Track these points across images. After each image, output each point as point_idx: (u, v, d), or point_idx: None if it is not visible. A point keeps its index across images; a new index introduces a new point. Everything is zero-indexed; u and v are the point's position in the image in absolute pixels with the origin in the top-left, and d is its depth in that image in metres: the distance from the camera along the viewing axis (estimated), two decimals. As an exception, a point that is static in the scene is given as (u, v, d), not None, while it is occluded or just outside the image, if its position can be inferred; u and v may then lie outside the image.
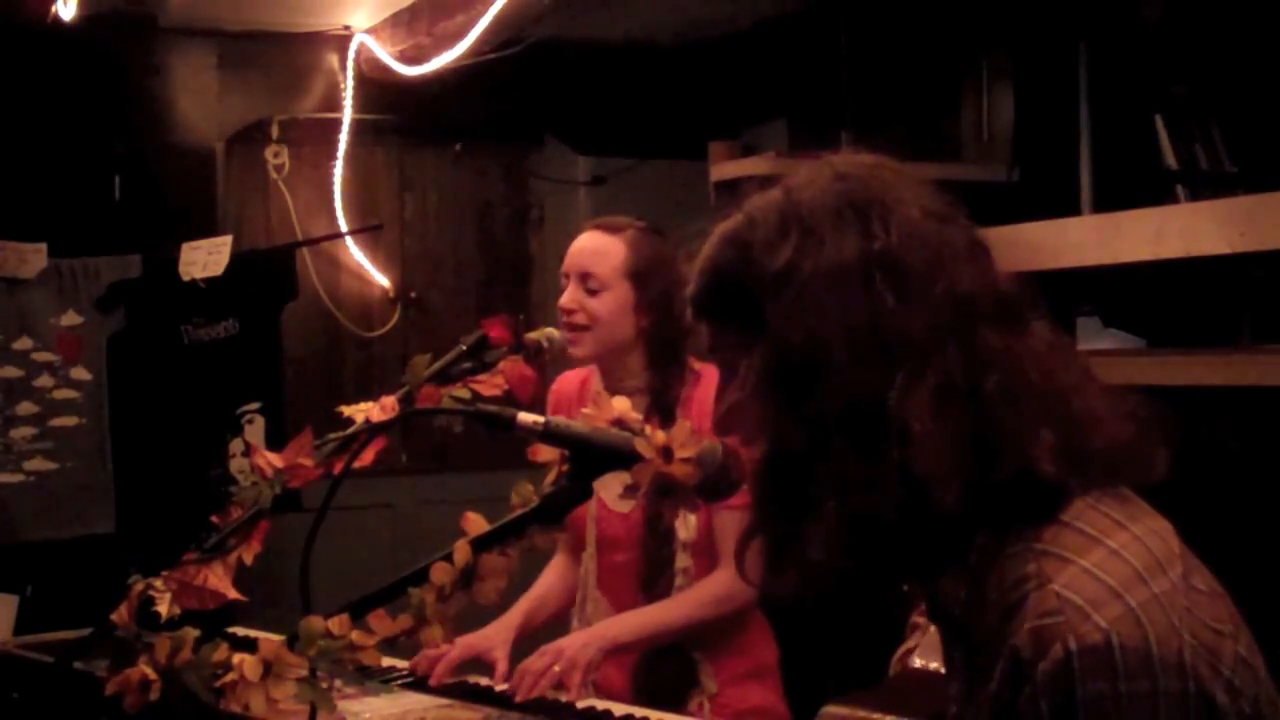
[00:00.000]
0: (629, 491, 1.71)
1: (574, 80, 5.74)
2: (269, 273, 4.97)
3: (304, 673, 1.64)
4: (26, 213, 4.87)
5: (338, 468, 2.07)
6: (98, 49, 5.01)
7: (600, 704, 2.42)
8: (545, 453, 1.80)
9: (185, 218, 5.08)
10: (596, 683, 2.56)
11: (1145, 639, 1.12)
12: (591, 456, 1.70)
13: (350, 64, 5.41)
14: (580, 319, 2.63)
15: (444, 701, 2.44)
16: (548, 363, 2.50)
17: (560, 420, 1.70)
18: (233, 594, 2.01)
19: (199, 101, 5.32)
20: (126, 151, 5.17)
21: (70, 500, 4.84)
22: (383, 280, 5.80)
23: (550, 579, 2.83)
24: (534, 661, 2.48)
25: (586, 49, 5.60)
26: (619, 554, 2.66)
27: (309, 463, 2.09)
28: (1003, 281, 1.27)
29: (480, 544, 1.70)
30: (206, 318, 4.83)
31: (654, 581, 2.62)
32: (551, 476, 1.78)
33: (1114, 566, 1.16)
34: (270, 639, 1.68)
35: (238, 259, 4.73)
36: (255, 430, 4.76)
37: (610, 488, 1.73)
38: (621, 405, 1.77)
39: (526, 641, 2.66)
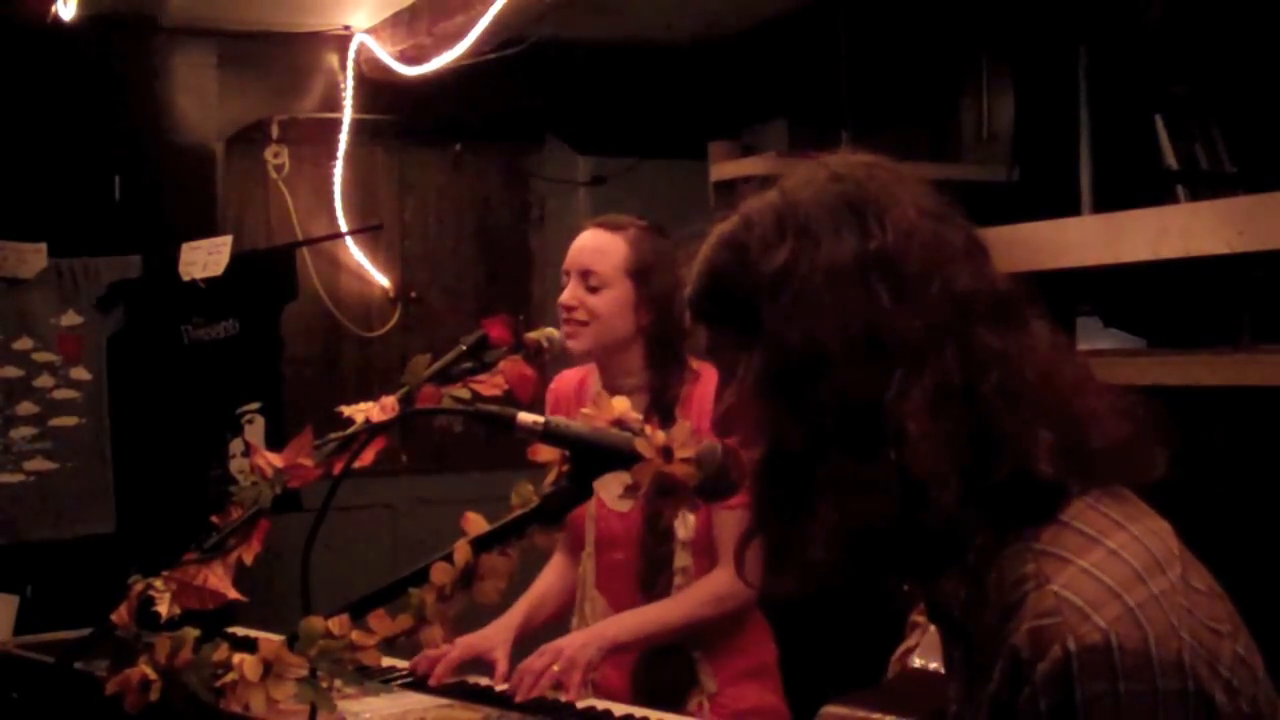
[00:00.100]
0: (629, 492, 1.71)
1: (574, 80, 5.74)
2: (269, 273, 4.97)
3: (304, 673, 1.65)
4: (26, 213, 4.87)
5: (338, 468, 2.07)
6: (98, 49, 5.01)
7: (600, 704, 2.42)
8: (545, 453, 1.80)
9: (185, 218, 5.08)
10: (596, 682, 2.56)
11: (1144, 639, 1.12)
12: (591, 456, 1.70)
13: (350, 64, 5.41)
14: (580, 316, 2.63)
15: (444, 701, 2.44)
16: (548, 363, 2.50)
17: (560, 420, 1.70)
18: (233, 594, 2.01)
19: (199, 101, 5.32)
20: (126, 151, 5.17)
21: (70, 500, 4.84)
22: (383, 280, 5.80)
23: (549, 579, 2.83)
24: (533, 661, 2.48)
25: (586, 49, 5.60)
26: (617, 553, 2.66)
27: (309, 463, 2.09)
28: (1000, 281, 1.27)
29: (480, 544, 1.71)
30: (206, 318, 4.83)
31: (653, 580, 2.62)
32: (551, 476, 1.78)
33: (1113, 567, 1.16)
34: (270, 639, 1.68)
35: (238, 259, 4.73)
36: (255, 430, 4.76)
37: (610, 488, 1.73)
38: (621, 405, 1.77)
39: (526, 642, 2.66)
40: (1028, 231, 3.42)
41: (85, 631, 2.14)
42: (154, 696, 1.75)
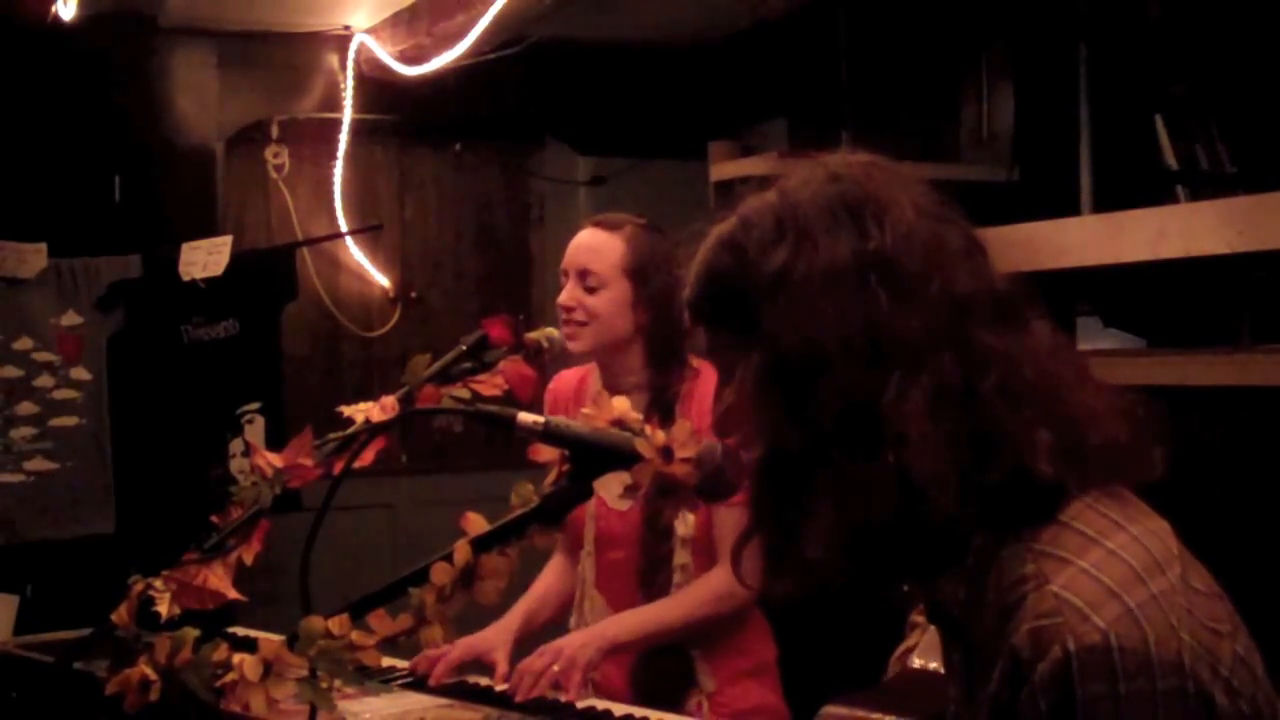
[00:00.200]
0: (629, 491, 1.71)
1: (574, 80, 5.75)
2: (269, 273, 4.97)
3: (304, 673, 1.64)
4: (26, 213, 4.87)
5: (338, 468, 2.07)
6: (98, 49, 5.01)
7: (600, 704, 2.42)
8: (545, 453, 1.80)
9: (185, 218, 5.09)
10: (595, 682, 2.56)
11: (1144, 639, 1.12)
12: (591, 456, 1.70)
13: (350, 64, 5.41)
14: (579, 316, 2.63)
15: (444, 701, 2.44)
16: (548, 363, 2.50)
17: (560, 420, 1.70)
18: (233, 594, 2.01)
19: (199, 101, 5.32)
20: (126, 151, 5.17)
21: (70, 500, 4.84)
22: (383, 280, 5.80)
23: (549, 580, 2.83)
24: (533, 661, 2.48)
25: (586, 49, 5.60)
26: (617, 552, 2.66)
27: (309, 463, 2.09)
28: (999, 281, 1.27)
29: (480, 544, 1.71)
30: (206, 318, 4.83)
31: (652, 578, 2.62)
32: (551, 476, 1.78)
33: (1112, 567, 1.16)
34: (270, 639, 1.68)
35: (238, 259, 4.73)
36: (255, 430, 4.77)
37: (610, 487, 1.73)
38: (621, 405, 1.77)
39: (526, 643, 2.66)
40: (1028, 231, 3.42)
41: (85, 631, 2.14)
42: (154, 696, 1.74)
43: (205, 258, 4.72)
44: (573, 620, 2.74)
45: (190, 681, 1.72)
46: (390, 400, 2.22)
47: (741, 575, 1.41)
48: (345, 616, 1.66)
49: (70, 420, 4.86)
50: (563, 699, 2.43)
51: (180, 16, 5.16)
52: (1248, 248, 2.97)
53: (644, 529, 2.62)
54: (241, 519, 2.07)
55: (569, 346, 2.61)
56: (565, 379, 2.83)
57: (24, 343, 4.84)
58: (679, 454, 1.67)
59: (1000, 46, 4.73)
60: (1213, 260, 3.05)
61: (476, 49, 4.81)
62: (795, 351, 1.22)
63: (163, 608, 1.93)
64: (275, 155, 5.64)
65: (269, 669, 1.65)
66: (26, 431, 4.82)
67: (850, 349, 1.21)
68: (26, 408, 4.82)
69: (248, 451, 4.54)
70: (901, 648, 2.41)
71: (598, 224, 2.69)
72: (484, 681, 2.56)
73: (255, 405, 4.79)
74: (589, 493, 1.74)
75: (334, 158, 5.55)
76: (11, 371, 4.82)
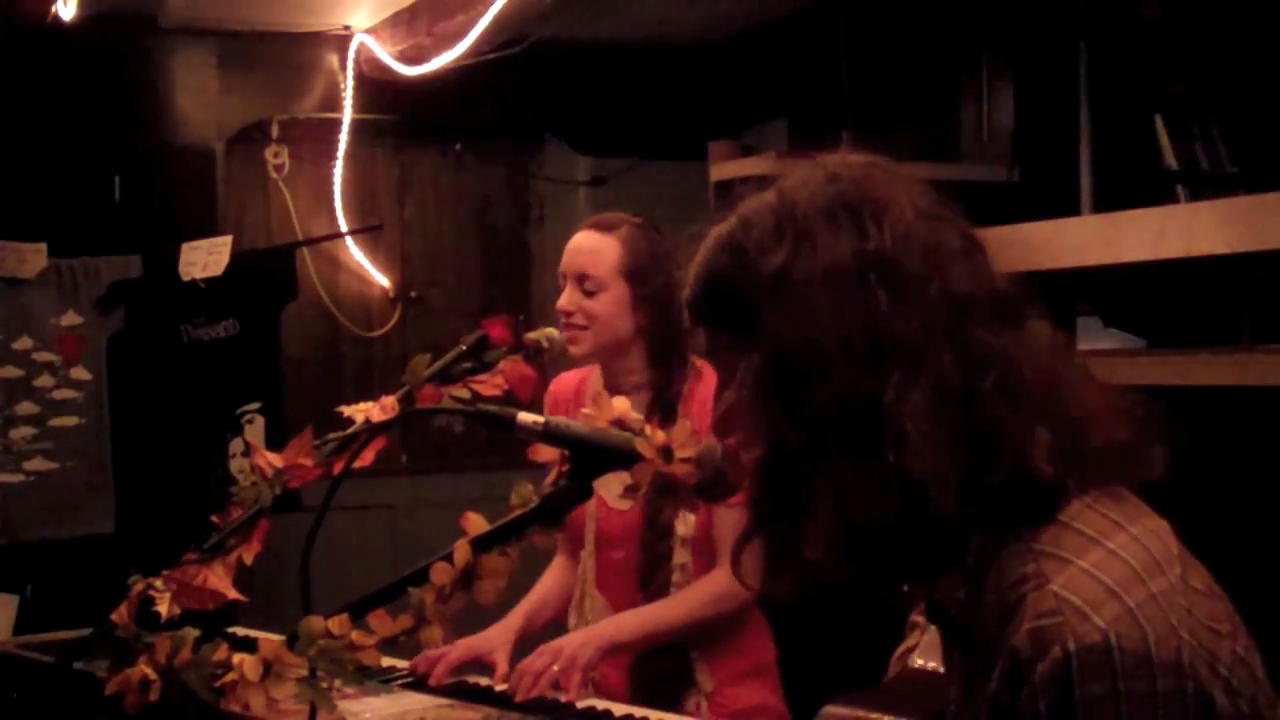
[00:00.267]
0: (629, 491, 1.71)
1: (574, 80, 5.75)
2: (269, 273, 4.97)
3: (304, 673, 1.65)
4: (26, 213, 4.87)
5: (338, 468, 2.07)
6: (98, 49, 5.02)
7: (600, 704, 2.42)
8: (545, 453, 1.80)
9: (185, 218, 5.09)
10: (594, 681, 2.56)
11: (1144, 639, 1.12)
12: (591, 456, 1.70)
13: (350, 64, 5.41)
14: (579, 320, 2.62)
15: (444, 701, 2.44)
16: (548, 363, 2.50)
17: (560, 420, 1.71)
18: (233, 594, 2.01)
19: (199, 101, 5.32)
20: (126, 151, 5.17)
21: (70, 500, 4.84)
22: (383, 280, 5.80)
23: (550, 583, 2.83)
24: (533, 661, 2.48)
25: (587, 49, 5.60)
26: (617, 551, 2.66)
27: (309, 463, 2.09)
28: (999, 281, 1.27)
29: (480, 544, 1.71)
30: (206, 318, 4.83)
31: (651, 576, 2.62)
32: (551, 476, 1.78)
33: (1112, 567, 1.16)
34: (270, 639, 1.68)
35: (238, 259, 4.73)
36: (255, 430, 4.77)
37: (610, 487, 1.73)
38: (621, 405, 1.77)
39: (527, 644, 2.66)
40: (1027, 231, 3.42)
41: (85, 631, 2.14)
42: (154, 696, 1.75)
43: (205, 258, 4.72)
44: (572, 620, 2.74)
45: (190, 681, 1.72)
46: (390, 400, 2.22)
47: (741, 575, 1.41)
48: (345, 616, 1.66)
49: (70, 420, 4.87)
50: (562, 699, 2.43)
51: (180, 16, 5.16)
52: (1248, 248, 2.97)
53: (644, 528, 2.62)
54: (241, 519, 2.07)
55: (570, 350, 2.61)
56: (565, 381, 2.83)
57: (24, 343, 4.84)
58: (679, 454, 1.67)
59: (1000, 46, 4.73)
60: (1212, 260, 3.05)
61: (476, 49, 4.81)
62: (795, 352, 1.22)
63: (163, 608, 1.93)
64: (275, 155, 5.64)
65: (269, 669, 1.65)
66: (26, 431, 4.82)
67: (850, 349, 1.20)
68: (26, 408, 4.83)
69: (248, 451, 4.53)
70: (901, 648, 2.41)
71: (592, 226, 2.68)
72: (484, 681, 2.56)
73: (255, 405, 4.79)
74: (589, 493, 1.74)
75: (334, 158, 5.55)
76: (11, 371, 4.82)
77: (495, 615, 2.67)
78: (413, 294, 5.88)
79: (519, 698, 2.42)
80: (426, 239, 5.98)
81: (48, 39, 4.87)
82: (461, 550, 1.69)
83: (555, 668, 2.45)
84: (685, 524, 2.59)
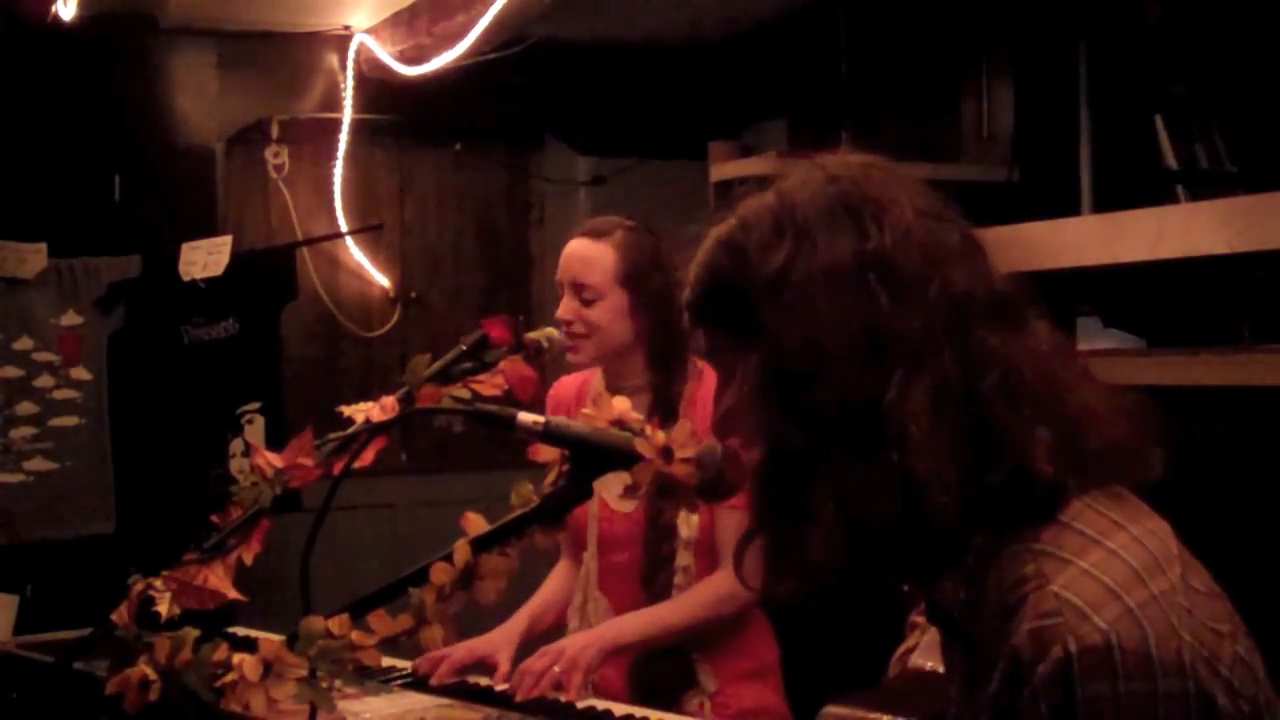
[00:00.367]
0: (629, 492, 1.71)
1: (574, 80, 5.75)
2: (269, 273, 4.97)
3: (304, 673, 1.64)
4: (26, 213, 4.87)
5: (338, 468, 2.07)
6: (98, 49, 5.01)
7: (600, 704, 2.42)
8: (545, 453, 1.80)
9: (185, 218, 5.09)
10: (595, 682, 2.56)
11: (1145, 640, 1.12)
12: (591, 456, 1.70)
13: (350, 64, 5.41)
14: (578, 329, 2.63)
15: (444, 701, 2.44)
16: (548, 363, 2.50)
17: (560, 420, 1.70)
18: (233, 594, 2.00)
19: (199, 101, 5.32)
20: (126, 151, 5.17)
21: (70, 500, 4.85)
22: (383, 280, 5.80)
23: (554, 586, 2.83)
24: (534, 662, 2.48)
25: (586, 49, 5.60)
26: (620, 553, 2.66)
27: (309, 463, 2.09)
28: (999, 281, 1.27)
29: (480, 544, 1.70)
30: (206, 318, 4.83)
31: (653, 577, 2.62)
32: (552, 476, 1.78)
33: (1113, 567, 1.16)
34: (270, 639, 1.68)
35: (238, 259, 4.73)
36: (255, 430, 4.77)
37: (610, 488, 1.73)
38: (622, 405, 1.77)
39: (529, 647, 2.66)
40: (1027, 231, 3.41)
41: (85, 631, 2.14)
42: (154, 696, 1.74)
43: (205, 258, 4.73)
44: (574, 622, 2.74)
45: (190, 681, 1.72)
46: (390, 400, 2.21)
47: (744, 576, 1.41)
48: (345, 616, 1.66)
49: (70, 420, 4.87)
50: (563, 699, 2.43)
51: (180, 16, 5.15)
52: (1247, 248, 2.97)
53: (647, 530, 2.62)
54: (241, 519, 2.06)
55: (571, 359, 2.62)
56: (566, 384, 2.83)
57: (24, 343, 4.84)
58: (679, 454, 1.67)
59: (1000, 46, 4.73)
60: (1212, 260, 3.05)
61: (476, 49, 4.81)
62: (795, 352, 1.22)
63: (163, 608, 1.93)
64: (275, 155, 5.64)
65: (269, 669, 1.65)
66: (26, 431, 4.82)
67: (851, 349, 1.21)
68: (26, 408, 4.83)
69: (248, 451, 4.54)
70: (901, 648, 2.41)
71: (586, 233, 2.68)
72: (484, 682, 2.56)
73: (255, 405, 4.79)
74: (589, 493, 1.74)
75: (334, 158, 5.55)
76: (11, 371, 4.82)
77: (496, 615, 2.67)
78: (413, 294, 5.88)
79: (519, 698, 2.42)
80: (426, 239, 5.98)
81: (48, 39, 4.86)
82: (461, 550, 1.69)
83: (556, 669, 2.45)
84: (688, 526, 2.59)
